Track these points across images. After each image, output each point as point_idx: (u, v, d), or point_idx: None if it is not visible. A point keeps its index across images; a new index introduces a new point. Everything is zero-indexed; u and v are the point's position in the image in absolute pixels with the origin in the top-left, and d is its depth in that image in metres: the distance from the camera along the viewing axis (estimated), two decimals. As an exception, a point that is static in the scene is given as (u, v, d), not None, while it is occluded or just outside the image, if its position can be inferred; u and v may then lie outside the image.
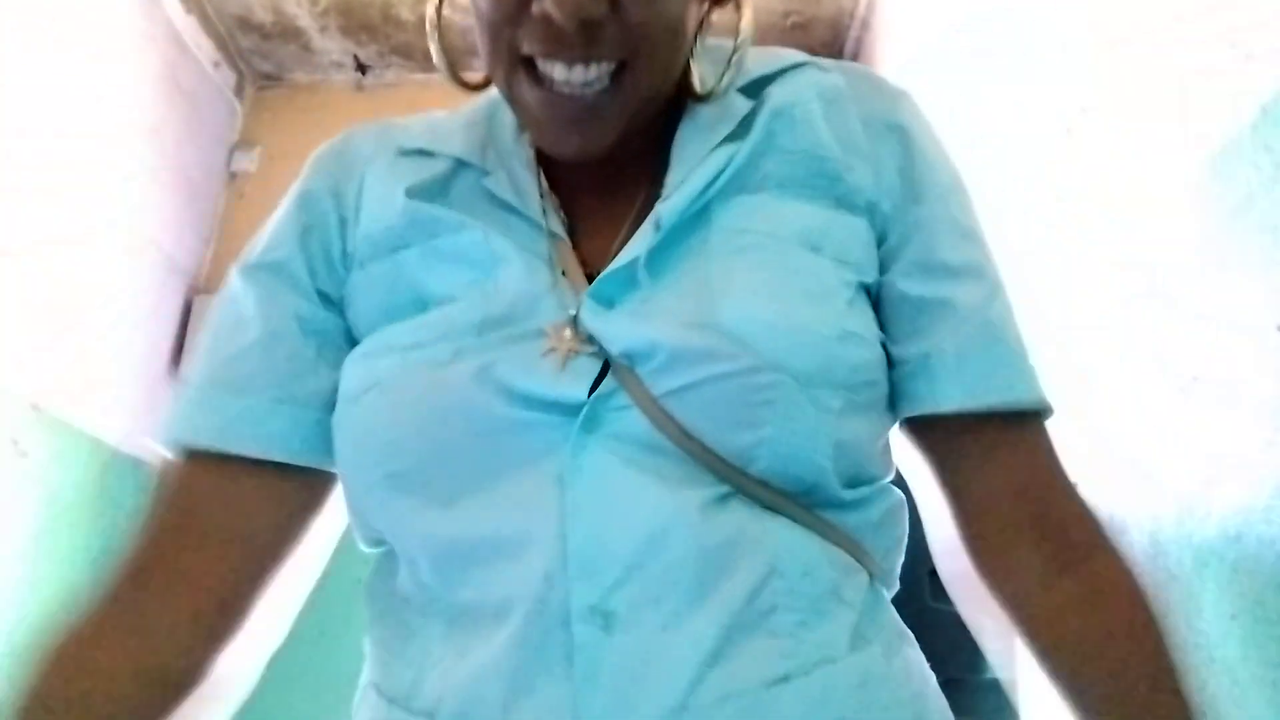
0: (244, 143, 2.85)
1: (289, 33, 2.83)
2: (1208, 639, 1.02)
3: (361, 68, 2.96)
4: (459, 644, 0.52)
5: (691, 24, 0.59)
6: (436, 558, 0.54)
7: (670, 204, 0.58)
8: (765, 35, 2.93)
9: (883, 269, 0.64)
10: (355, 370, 0.59)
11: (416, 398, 0.54)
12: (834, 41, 2.97)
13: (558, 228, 0.61)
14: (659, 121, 0.64)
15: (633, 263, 0.56)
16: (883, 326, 0.63)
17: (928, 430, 0.66)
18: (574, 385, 0.53)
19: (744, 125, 0.62)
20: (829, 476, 0.56)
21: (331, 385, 0.61)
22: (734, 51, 0.60)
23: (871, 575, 0.61)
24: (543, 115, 0.56)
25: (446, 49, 0.62)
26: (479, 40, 0.57)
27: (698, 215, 0.59)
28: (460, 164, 0.65)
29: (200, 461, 0.60)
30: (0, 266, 1.91)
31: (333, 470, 0.63)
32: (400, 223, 0.62)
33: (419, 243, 0.61)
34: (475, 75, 0.64)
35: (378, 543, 0.63)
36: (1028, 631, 0.62)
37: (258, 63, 2.94)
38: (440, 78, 0.63)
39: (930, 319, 0.62)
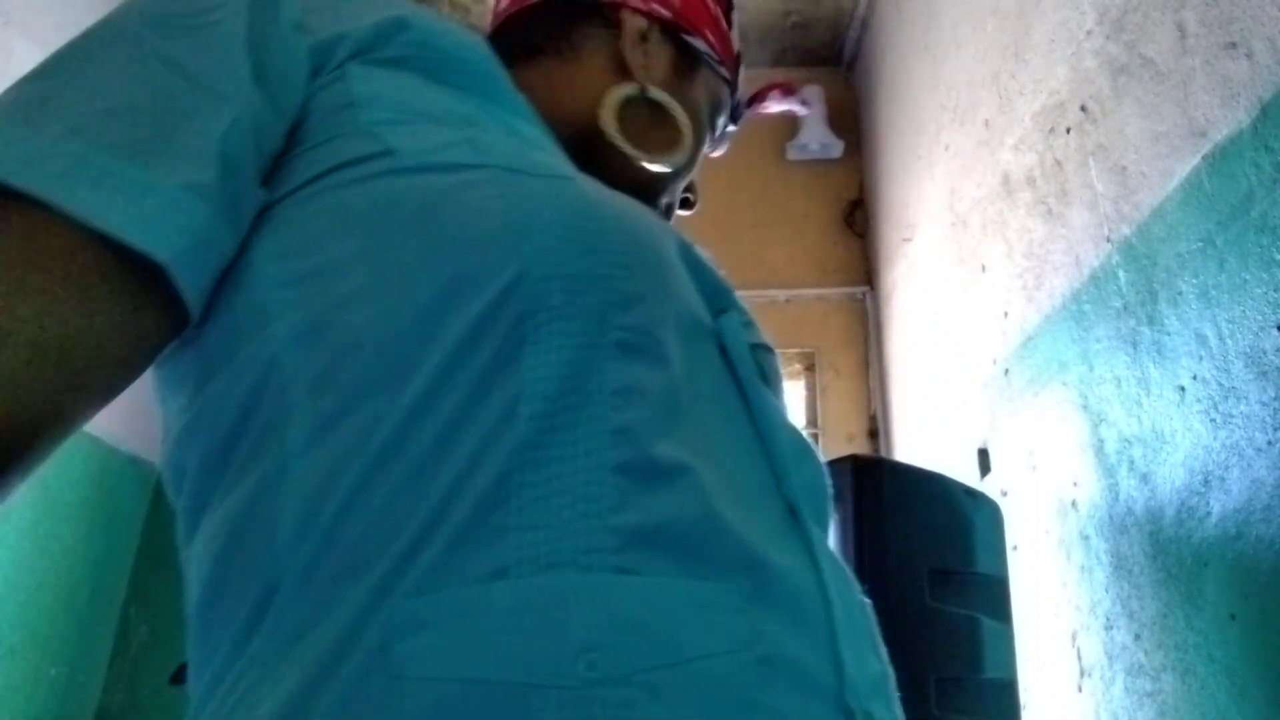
0: (243, 142, 2.84)
1: (288, 32, 2.82)
2: (1207, 639, 1.02)
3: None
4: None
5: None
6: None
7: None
8: (766, 35, 2.93)
9: None
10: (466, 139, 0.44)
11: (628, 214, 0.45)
12: (834, 41, 2.97)
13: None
14: None
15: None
16: None
17: None
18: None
19: None
20: None
21: (256, 208, 0.42)
22: None
23: None
24: (656, 171, 0.61)
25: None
26: (698, 108, 0.64)
27: None
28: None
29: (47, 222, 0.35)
30: None
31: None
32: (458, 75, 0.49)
33: (484, 113, 0.49)
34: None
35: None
36: None
37: (257, 62, 2.94)
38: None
39: None
